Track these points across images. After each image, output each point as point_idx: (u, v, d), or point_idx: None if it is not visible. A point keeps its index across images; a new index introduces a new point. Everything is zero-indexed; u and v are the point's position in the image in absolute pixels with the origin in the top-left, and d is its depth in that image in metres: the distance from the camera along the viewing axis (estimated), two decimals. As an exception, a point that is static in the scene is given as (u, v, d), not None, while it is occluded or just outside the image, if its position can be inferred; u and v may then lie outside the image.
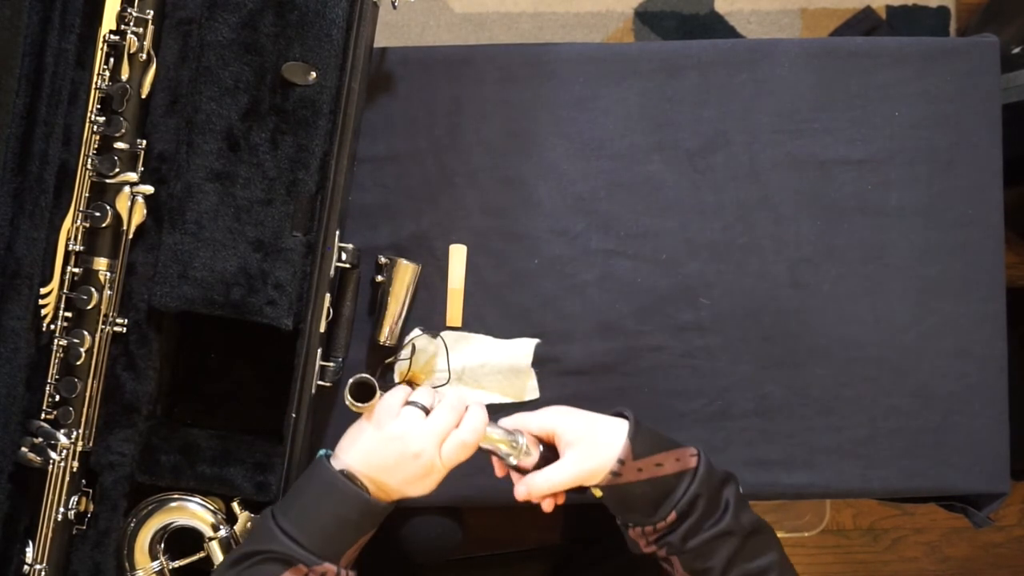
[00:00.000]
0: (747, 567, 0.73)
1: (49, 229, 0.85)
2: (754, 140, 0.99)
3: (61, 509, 0.85)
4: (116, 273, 0.86)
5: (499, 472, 0.82)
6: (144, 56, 0.84)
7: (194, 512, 0.87)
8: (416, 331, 0.97)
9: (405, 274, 0.95)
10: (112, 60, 0.84)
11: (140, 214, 0.86)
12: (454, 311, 0.98)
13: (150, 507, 0.87)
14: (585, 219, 0.98)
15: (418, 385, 0.96)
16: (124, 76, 0.84)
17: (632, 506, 0.77)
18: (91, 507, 0.88)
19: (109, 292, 0.85)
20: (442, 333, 0.98)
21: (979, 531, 1.67)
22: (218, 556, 0.87)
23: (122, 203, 0.85)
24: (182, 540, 0.89)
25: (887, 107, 0.99)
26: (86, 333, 0.84)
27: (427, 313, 0.98)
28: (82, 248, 0.85)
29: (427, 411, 0.76)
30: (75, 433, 0.85)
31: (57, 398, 0.85)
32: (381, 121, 0.98)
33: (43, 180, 0.85)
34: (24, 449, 0.85)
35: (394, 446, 0.74)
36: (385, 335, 0.96)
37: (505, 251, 0.98)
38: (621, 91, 0.99)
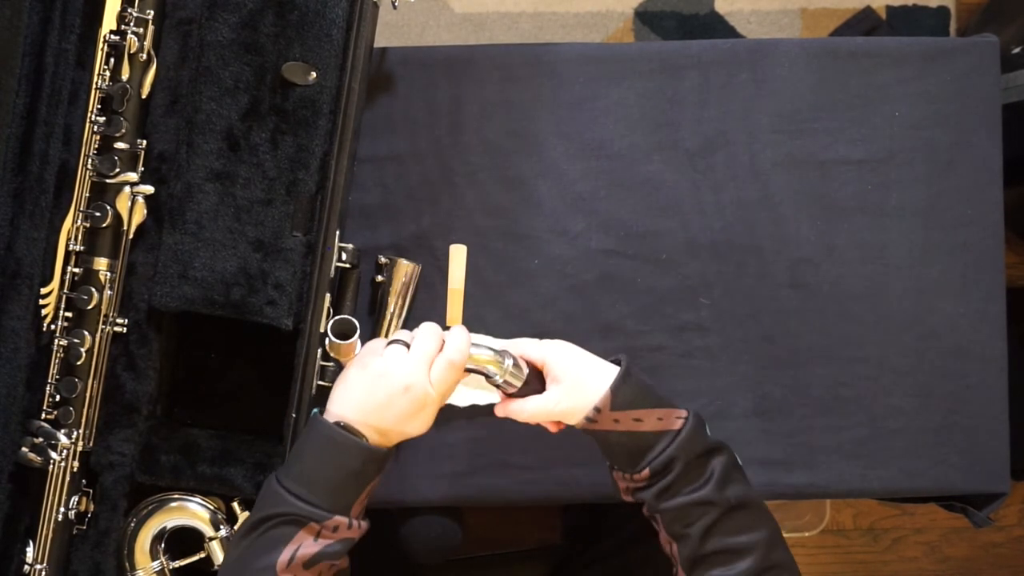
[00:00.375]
0: (727, 541, 0.73)
1: (49, 229, 0.85)
2: (754, 140, 0.99)
3: (61, 509, 0.85)
4: (116, 273, 0.86)
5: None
6: (144, 56, 0.84)
7: (194, 512, 0.87)
8: (416, 331, 0.97)
9: (405, 274, 0.95)
10: (112, 60, 0.84)
11: (140, 214, 0.86)
12: (454, 311, 0.98)
13: (150, 507, 0.87)
14: (585, 219, 0.98)
15: None
16: (124, 76, 0.84)
17: (610, 452, 0.78)
18: (91, 507, 0.88)
19: (109, 292, 0.85)
20: (442, 333, 0.98)
21: (979, 531, 1.67)
22: (218, 556, 0.87)
23: (122, 203, 0.85)
24: (182, 540, 0.89)
25: (887, 107, 0.99)
26: (86, 333, 0.84)
27: (427, 313, 0.98)
28: (82, 248, 0.85)
29: (409, 346, 0.75)
30: (75, 433, 0.85)
31: (57, 398, 0.85)
32: (381, 121, 0.98)
33: (43, 180, 0.85)
34: (24, 449, 0.85)
35: (382, 383, 0.73)
36: (386, 335, 0.96)
37: (505, 251, 0.98)
38: (621, 91, 0.99)
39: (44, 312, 0.85)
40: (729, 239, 0.99)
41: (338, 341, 0.81)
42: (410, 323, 0.97)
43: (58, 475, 0.85)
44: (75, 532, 0.88)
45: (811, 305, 0.99)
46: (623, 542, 1.03)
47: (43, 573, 0.85)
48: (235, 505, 0.87)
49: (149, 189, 0.86)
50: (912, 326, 0.99)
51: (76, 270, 0.85)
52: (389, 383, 0.73)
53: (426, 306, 0.98)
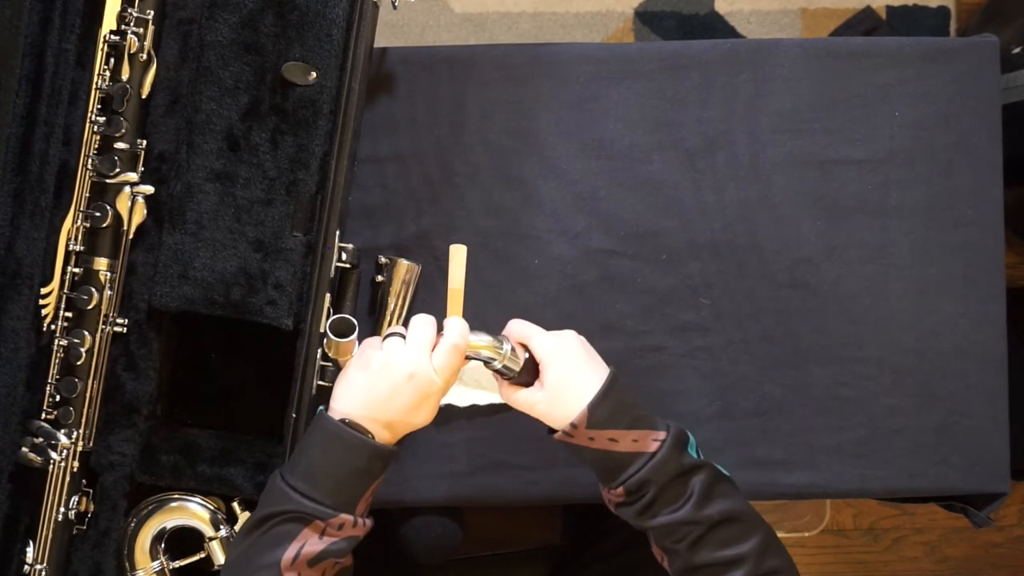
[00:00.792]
0: (716, 555, 0.72)
1: (49, 229, 0.85)
2: (754, 140, 0.99)
3: (61, 509, 0.85)
4: (116, 273, 0.86)
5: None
6: (144, 56, 0.84)
7: (194, 512, 0.87)
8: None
9: (405, 274, 0.95)
10: (112, 60, 0.84)
11: (140, 214, 0.86)
12: (454, 311, 0.97)
13: (150, 507, 0.87)
14: (586, 219, 0.98)
15: None
16: (124, 76, 0.84)
17: (590, 465, 0.77)
18: (91, 507, 0.88)
19: (109, 292, 0.85)
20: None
21: (979, 531, 1.67)
22: (218, 556, 0.87)
23: (122, 203, 0.85)
24: (182, 540, 0.89)
25: (887, 107, 0.99)
26: (86, 333, 0.84)
27: (427, 313, 0.98)
28: (82, 248, 0.85)
29: (405, 338, 0.76)
30: (75, 433, 0.85)
31: (57, 398, 0.85)
32: (382, 121, 0.98)
33: (43, 180, 0.85)
34: (24, 449, 0.85)
35: (385, 375, 0.73)
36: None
37: (506, 251, 0.98)
38: (621, 91, 0.99)
39: (44, 312, 0.85)
40: (729, 239, 0.99)
41: (337, 339, 0.81)
42: (410, 323, 0.97)
43: (58, 475, 0.85)
44: (75, 532, 0.88)
45: (811, 305, 0.99)
46: (623, 542, 1.03)
47: (43, 573, 0.85)
48: (235, 505, 0.87)
49: (149, 189, 0.86)
50: (912, 326, 0.99)
51: (76, 270, 0.85)
52: (392, 374, 0.73)
53: (426, 306, 0.98)
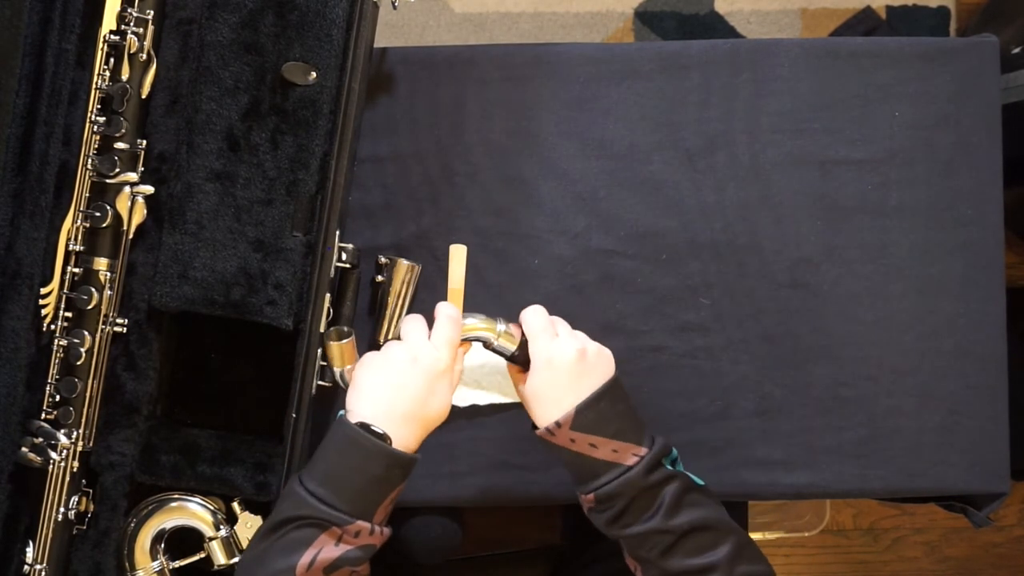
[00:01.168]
0: (687, 563, 0.72)
1: (49, 229, 0.85)
2: (754, 140, 0.99)
3: (61, 509, 0.85)
4: (116, 273, 0.86)
5: None
6: (144, 56, 0.84)
7: (194, 512, 0.87)
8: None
9: (405, 274, 0.95)
10: (112, 60, 0.84)
11: (140, 214, 0.86)
12: (454, 311, 0.98)
13: (150, 507, 0.87)
14: (585, 219, 0.98)
15: None
16: (124, 76, 0.84)
17: (565, 466, 0.77)
18: (91, 507, 0.88)
19: (109, 292, 0.85)
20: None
21: (979, 531, 1.67)
22: (218, 556, 0.87)
23: (122, 203, 0.85)
24: (182, 540, 0.89)
25: (887, 107, 0.99)
26: (86, 333, 0.84)
27: (427, 313, 0.97)
28: (82, 248, 0.85)
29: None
30: (75, 433, 0.85)
31: (57, 398, 0.85)
32: (382, 121, 0.98)
33: (43, 180, 0.85)
34: (24, 449, 0.85)
35: (388, 368, 0.74)
36: (385, 335, 0.96)
37: (506, 251, 0.98)
38: (621, 91, 0.99)
39: (44, 312, 0.85)
40: (729, 239, 0.99)
41: (335, 342, 0.82)
42: (410, 323, 0.97)
43: (58, 475, 0.85)
44: (75, 532, 0.88)
45: (811, 305, 0.99)
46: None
47: (43, 573, 0.85)
48: (235, 505, 0.87)
49: (149, 189, 0.86)
50: (912, 326, 0.99)
51: (76, 270, 0.85)
52: (396, 364, 0.74)
53: (426, 306, 0.98)
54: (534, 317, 0.79)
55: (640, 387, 0.98)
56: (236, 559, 0.87)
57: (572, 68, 0.99)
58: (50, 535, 0.85)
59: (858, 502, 1.67)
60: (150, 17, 0.83)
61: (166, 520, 0.87)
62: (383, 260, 0.96)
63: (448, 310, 0.77)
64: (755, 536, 1.43)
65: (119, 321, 0.87)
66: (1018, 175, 1.05)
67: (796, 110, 0.99)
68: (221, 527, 0.87)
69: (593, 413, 0.74)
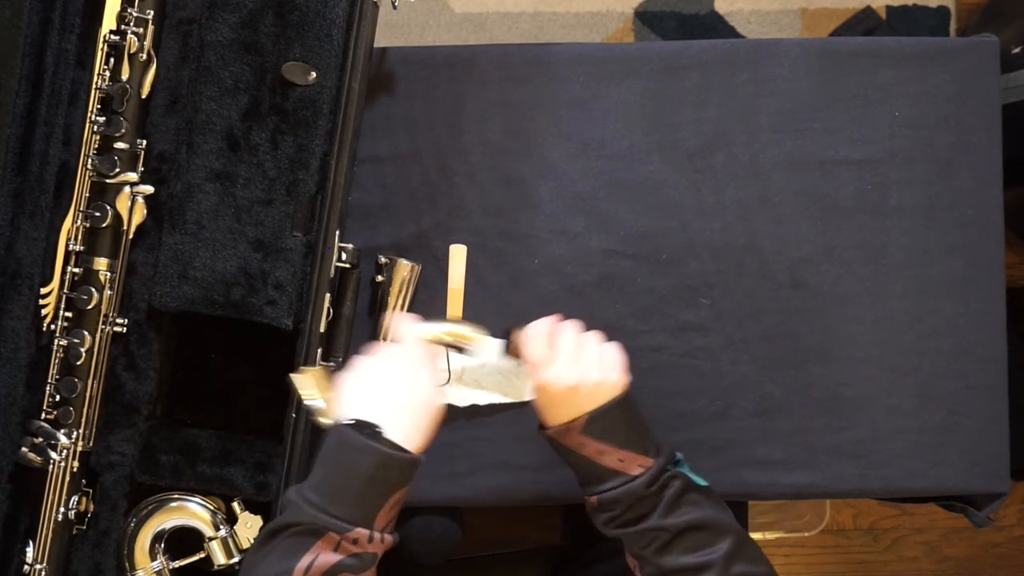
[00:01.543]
0: (682, 560, 0.73)
1: (49, 229, 0.85)
2: (754, 140, 0.99)
3: (61, 509, 0.85)
4: (116, 273, 0.86)
5: None
6: (144, 56, 0.84)
7: (194, 512, 0.87)
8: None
9: (405, 274, 0.95)
10: (112, 60, 0.84)
11: (140, 214, 0.86)
12: (454, 311, 0.98)
13: (150, 507, 0.87)
14: (585, 219, 0.98)
15: None
16: (124, 76, 0.84)
17: (569, 465, 0.78)
18: (91, 507, 0.88)
19: (109, 292, 0.85)
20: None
21: (979, 531, 1.67)
22: (218, 556, 0.87)
23: (122, 203, 0.85)
24: (182, 540, 0.89)
25: (887, 107, 0.99)
26: (86, 333, 0.84)
27: (427, 313, 0.97)
28: (82, 248, 0.85)
29: None
30: (75, 433, 0.85)
31: (57, 398, 0.85)
32: (381, 121, 0.98)
33: (43, 180, 0.85)
34: (24, 449, 0.85)
35: (363, 367, 0.74)
36: (385, 335, 0.96)
37: (505, 251, 0.98)
38: (621, 91, 0.99)
39: (44, 312, 0.85)
40: (729, 239, 0.99)
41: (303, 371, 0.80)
42: (410, 323, 0.97)
43: (58, 475, 0.85)
44: (75, 532, 0.88)
45: (811, 305, 0.99)
46: (623, 544, 1.03)
47: (43, 573, 0.85)
48: (235, 505, 0.87)
49: (149, 189, 0.86)
50: (912, 326, 0.99)
51: (76, 270, 0.85)
52: (368, 361, 0.74)
53: (426, 306, 0.98)
54: (543, 341, 0.79)
55: (640, 387, 0.97)
56: (236, 559, 0.87)
57: (572, 68, 0.99)
58: (50, 535, 0.85)
59: (858, 502, 1.67)
60: (150, 17, 0.83)
61: (166, 520, 0.87)
62: (383, 260, 0.96)
63: (400, 317, 0.78)
64: (755, 536, 1.43)
65: (119, 321, 0.87)
66: (1018, 175, 1.05)
67: (796, 110, 0.99)
68: (221, 527, 0.87)
69: (607, 420, 0.75)
